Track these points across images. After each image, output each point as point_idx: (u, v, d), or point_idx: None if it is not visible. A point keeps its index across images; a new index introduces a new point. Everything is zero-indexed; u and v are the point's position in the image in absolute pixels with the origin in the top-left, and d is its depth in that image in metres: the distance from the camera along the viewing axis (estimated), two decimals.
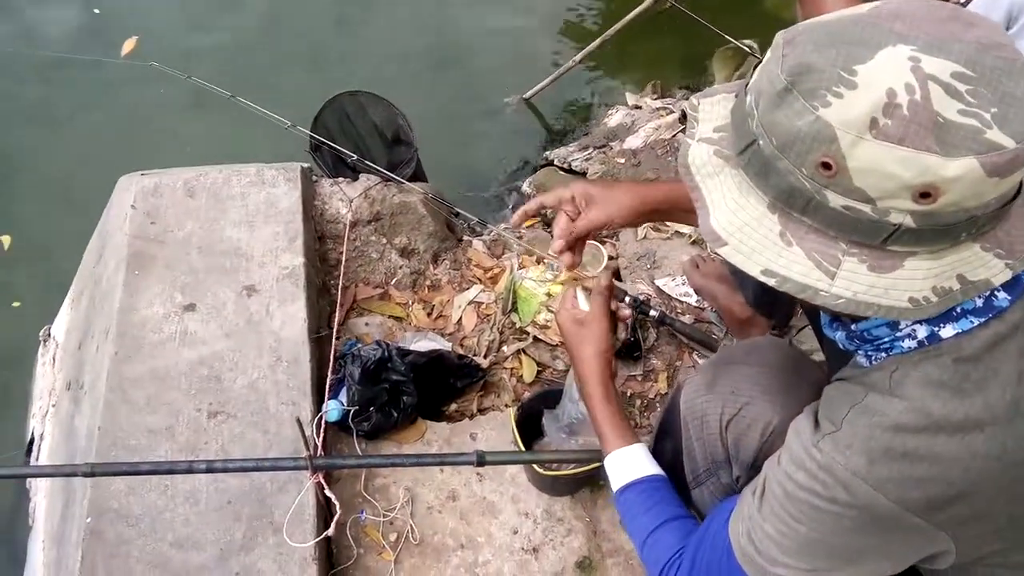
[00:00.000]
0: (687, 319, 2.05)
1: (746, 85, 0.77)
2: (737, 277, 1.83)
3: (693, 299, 2.08)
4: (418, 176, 2.47)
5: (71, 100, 3.28)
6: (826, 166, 0.69)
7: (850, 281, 0.72)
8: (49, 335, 2.32)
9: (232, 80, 2.76)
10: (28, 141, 3.15)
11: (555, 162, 2.97)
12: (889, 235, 0.70)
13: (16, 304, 2.68)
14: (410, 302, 2.10)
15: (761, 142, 0.73)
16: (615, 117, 3.03)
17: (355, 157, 2.20)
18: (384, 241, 2.16)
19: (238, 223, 1.96)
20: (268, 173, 2.07)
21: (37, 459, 2.09)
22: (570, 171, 2.89)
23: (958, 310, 0.79)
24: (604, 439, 1.20)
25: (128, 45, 3.37)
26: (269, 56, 3.50)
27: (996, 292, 0.79)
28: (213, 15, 3.60)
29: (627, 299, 1.93)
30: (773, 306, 1.80)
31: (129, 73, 3.12)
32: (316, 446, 1.55)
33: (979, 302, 0.79)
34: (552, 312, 2.01)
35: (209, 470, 1.33)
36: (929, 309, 0.72)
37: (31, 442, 2.17)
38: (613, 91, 3.54)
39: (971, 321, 0.79)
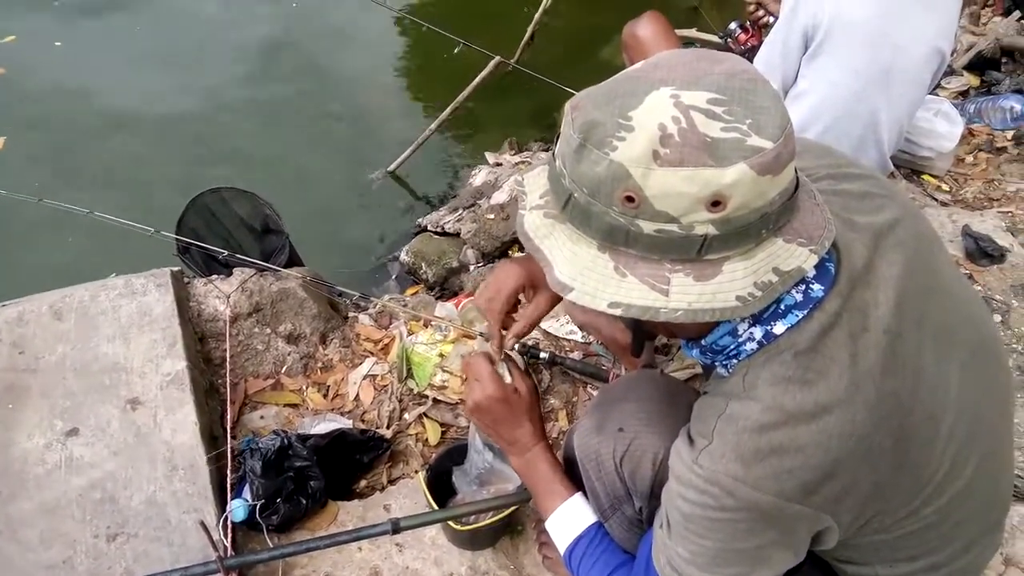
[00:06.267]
0: (576, 355, 2.13)
1: (553, 153, 0.87)
2: None
3: (579, 335, 2.17)
4: (294, 261, 2.49)
5: None
6: (629, 199, 0.78)
7: (682, 294, 0.80)
8: None
9: (89, 193, 2.70)
10: None
11: (428, 227, 3.04)
12: (701, 246, 0.79)
13: None
14: (304, 387, 2.09)
15: (576, 194, 0.82)
16: (479, 176, 3.14)
17: (225, 253, 2.19)
18: (268, 331, 2.14)
19: (112, 337, 1.91)
20: (137, 282, 2.04)
21: None
22: (444, 234, 2.96)
23: (783, 306, 0.89)
24: (543, 499, 1.26)
25: None
26: (127, 161, 3.45)
27: (811, 285, 0.89)
28: (68, 130, 3.53)
29: (516, 346, 2.00)
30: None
31: None
32: (226, 547, 1.51)
33: (799, 297, 0.89)
34: (448, 372, 2.05)
35: None
36: (756, 304, 0.81)
37: None
38: (473, 152, 3.68)
39: (796, 315, 0.88)
